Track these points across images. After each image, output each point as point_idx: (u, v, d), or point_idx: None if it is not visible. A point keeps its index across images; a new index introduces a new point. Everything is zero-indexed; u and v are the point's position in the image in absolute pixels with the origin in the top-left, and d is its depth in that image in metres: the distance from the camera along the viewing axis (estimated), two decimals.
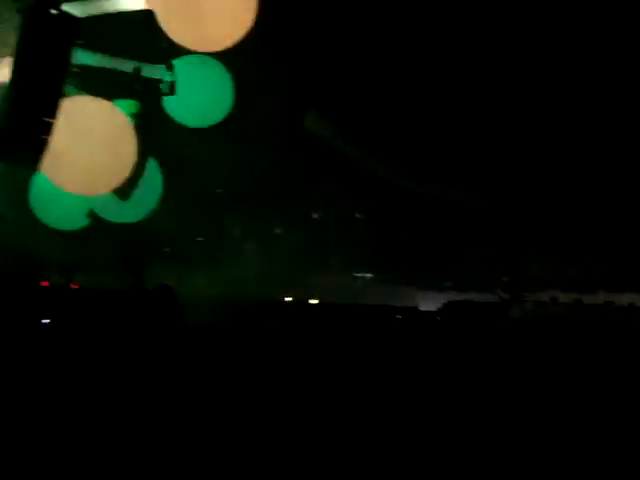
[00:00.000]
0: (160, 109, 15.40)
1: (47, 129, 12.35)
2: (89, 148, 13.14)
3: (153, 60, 15.78)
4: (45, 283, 14.88)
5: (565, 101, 21.81)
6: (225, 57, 16.15)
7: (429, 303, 25.52)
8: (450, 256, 25.76)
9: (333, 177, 24.17)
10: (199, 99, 16.02)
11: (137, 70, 15.24)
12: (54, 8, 12.52)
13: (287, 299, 23.76)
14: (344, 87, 23.18)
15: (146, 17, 15.13)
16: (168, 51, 15.67)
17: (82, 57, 15.17)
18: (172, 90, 15.08)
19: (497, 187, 24.71)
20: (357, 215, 27.48)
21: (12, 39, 12.65)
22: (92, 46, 15.62)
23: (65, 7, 13.41)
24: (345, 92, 23.46)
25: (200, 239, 24.68)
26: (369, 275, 29.18)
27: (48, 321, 14.23)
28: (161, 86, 15.10)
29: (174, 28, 14.87)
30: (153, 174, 15.74)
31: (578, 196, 23.23)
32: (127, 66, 15.66)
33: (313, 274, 24.42)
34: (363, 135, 24.85)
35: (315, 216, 26.92)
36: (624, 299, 22.59)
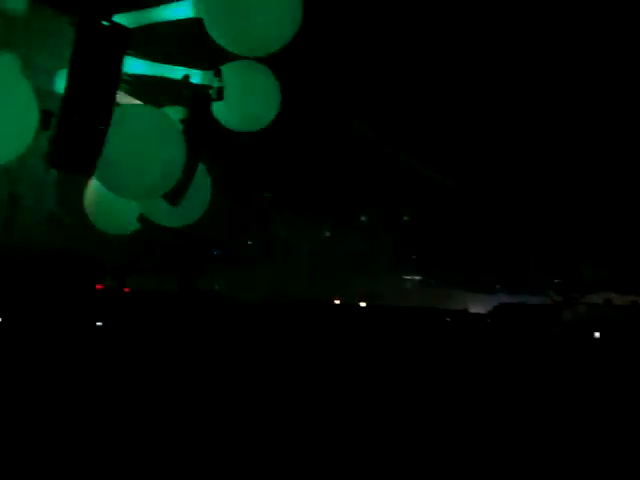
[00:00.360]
0: (209, 115, 15.54)
1: (100, 137, 12.59)
2: (140, 154, 13.34)
3: (201, 67, 16.00)
4: (99, 286, 15.18)
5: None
6: (272, 61, 16.26)
7: (479, 305, 25.20)
8: (500, 258, 25.38)
9: (381, 180, 24.11)
10: (247, 104, 16.15)
11: (186, 77, 15.42)
12: (105, 20, 12.77)
13: (336, 301, 23.75)
14: (391, 92, 23.13)
15: (194, 24, 15.37)
16: (216, 57, 15.88)
17: (133, 66, 15.52)
18: (220, 96, 15.21)
19: (549, 189, 24.25)
20: (405, 217, 27.34)
21: (66, 52, 12.98)
22: (142, 55, 15.96)
23: (116, 18, 13.71)
24: (393, 97, 23.42)
25: (249, 242, 24.89)
26: (417, 277, 28.96)
27: (102, 323, 14.54)
28: (210, 92, 15.24)
29: (222, 34, 15.05)
30: (202, 179, 15.93)
31: (633, 198, 22.64)
32: (176, 73, 15.91)
33: (361, 277, 24.38)
34: (412, 138, 24.73)
35: (363, 219, 26.87)
36: None
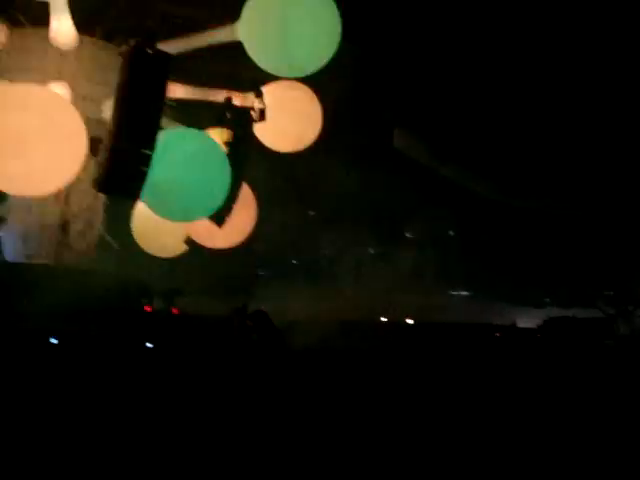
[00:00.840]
0: (252, 136, 15.72)
1: (146, 161, 12.85)
2: (185, 177, 13.56)
3: (243, 89, 16.23)
4: (148, 308, 15.40)
5: None
6: (313, 81, 16.40)
7: (527, 320, 24.73)
8: (548, 271, 24.92)
9: (426, 196, 23.98)
10: (289, 124, 16.29)
11: (228, 99, 15.66)
12: (150, 48, 13.09)
13: (383, 319, 23.61)
14: (433, 107, 23.07)
15: (235, 48, 15.65)
16: (257, 79, 16.10)
17: (176, 90, 15.86)
18: (262, 117, 15.37)
19: (598, 200, 23.79)
20: (451, 233, 27.12)
21: (113, 80, 13.34)
22: (185, 79, 16.30)
23: (159, 46, 14.04)
24: (435, 112, 23.35)
25: (295, 262, 25.00)
26: (464, 293, 28.64)
27: (152, 345, 14.71)
28: (252, 113, 15.42)
29: (262, 57, 15.28)
30: (247, 199, 16.07)
31: None
32: (218, 96, 16.19)
33: (407, 293, 24.21)
34: (454, 153, 24.59)
35: (408, 235, 26.75)
36: None
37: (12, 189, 14.25)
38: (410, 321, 23.65)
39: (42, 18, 14.68)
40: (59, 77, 14.82)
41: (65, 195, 15.37)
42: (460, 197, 24.65)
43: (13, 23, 15.19)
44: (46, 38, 14.84)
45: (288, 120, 16.26)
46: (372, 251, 26.57)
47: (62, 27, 14.61)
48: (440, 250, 26.22)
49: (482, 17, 21.77)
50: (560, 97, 22.29)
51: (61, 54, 15.09)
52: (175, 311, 15.57)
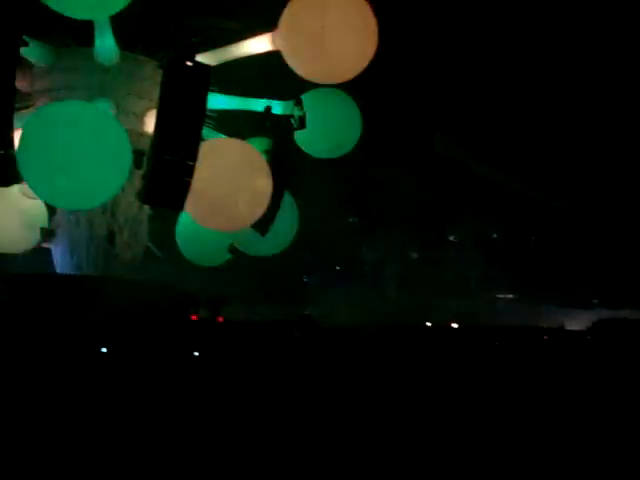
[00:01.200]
0: (292, 143, 15.84)
1: (189, 171, 13.06)
2: (228, 186, 13.74)
3: (282, 97, 16.37)
4: (194, 317, 15.58)
5: None
6: (352, 87, 16.45)
7: (575, 322, 24.22)
8: (596, 271, 24.38)
9: (469, 199, 23.77)
10: (329, 131, 16.36)
11: (268, 108, 15.80)
12: (189, 60, 13.32)
13: (427, 324, 23.43)
14: (472, 109, 22.90)
15: (272, 57, 15.80)
16: (296, 87, 16.21)
17: (216, 101, 16.08)
18: (303, 124, 15.46)
19: None
20: (494, 235, 26.77)
21: (154, 94, 13.61)
22: (224, 90, 16.51)
23: (199, 58, 14.29)
24: (475, 114, 23.18)
25: (338, 267, 25.01)
26: (510, 295, 28.23)
27: (198, 353, 14.87)
28: (292, 121, 15.52)
29: (300, 64, 15.39)
30: (290, 208, 16.20)
31: None
32: (258, 105, 16.36)
33: (452, 297, 23.97)
34: (495, 155, 24.33)
35: (452, 238, 26.51)
36: None
37: (61, 203, 14.65)
38: (455, 325, 23.42)
39: (86, 38, 15.08)
40: (103, 93, 15.17)
41: (111, 207, 15.69)
42: (503, 199, 24.37)
43: (59, 44, 15.64)
44: (90, 56, 15.22)
45: (328, 127, 16.33)
46: (416, 255, 26.39)
47: (105, 45, 14.97)
48: (484, 253, 25.91)
49: (521, 22, 21.63)
50: (600, 99, 21.95)
51: (104, 71, 15.45)
52: (220, 319, 15.72)
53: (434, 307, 23.50)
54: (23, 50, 13.00)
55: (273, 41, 15.46)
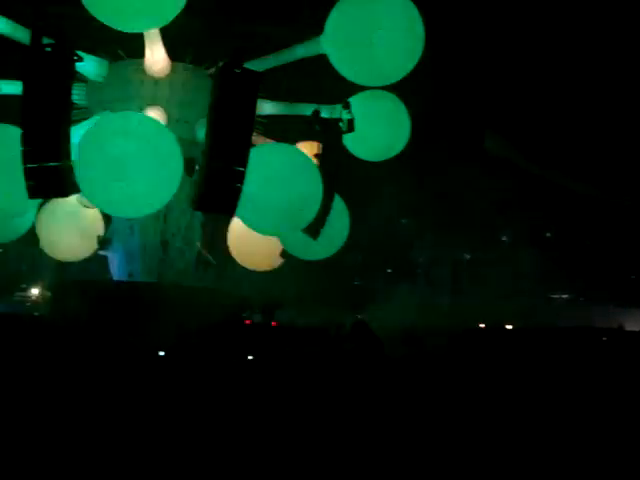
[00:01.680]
0: (341, 147, 15.83)
1: (239, 177, 13.19)
2: (278, 191, 13.81)
3: (330, 100, 16.40)
4: (248, 322, 15.70)
5: None
6: (399, 88, 16.36)
7: (634, 322, 23.53)
8: None
9: (521, 198, 23.37)
10: (378, 133, 16.31)
11: (316, 112, 15.84)
12: (238, 67, 13.46)
13: (481, 325, 23.11)
14: (521, 107, 22.56)
15: (319, 60, 15.86)
16: (344, 90, 16.22)
17: (265, 107, 16.21)
18: (351, 127, 15.44)
19: None
20: (548, 234, 26.26)
21: (204, 102, 13.81)
22: (273, 95, 16.63)
23: (247, 65, 14.43)
24: (522, 112, 22.83)
25: (389, 270, 24.89)
26: (565, 296, 27.64)
27: (252, 357, 14.96)
28: (340, 125, 15.53)
29: (347, 68, 15.40)
30: (340, 211, 16.19)
31: None
32: (306, 109, 16.42)
33: (506, 298, 23.59)
34: (547, 152, 23.89)
35: (504, 239, 26.11)
36: None
37: (115, 211, 14.97)
38: (509, 326, 23.04)
39: (137, 50, 15.40)
40: (155, 103, 15.45)
41: (164, 215, 15.96)
42: (556, 197, 23.90)
43: (111, 57, 16.02)
44: (141, 68, 15.53)
45: (377, 129, 16.28)
46: (468, 256, 26.07)
47: (156, 56, 15.27)
48: (538, 253, 25.42)
49: (572, 19, 21.26)
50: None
51: (155, 81, 15.75)
52: (274, 324, 15.80)
53: (487, 308, 23.15)
54: (78, 65, 13.34)
55: (320, 45, 15.52)
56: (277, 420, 12.34)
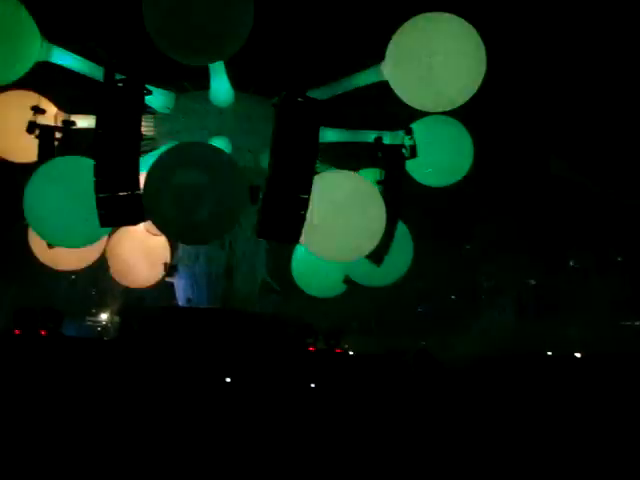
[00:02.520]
0: (404, 173, 15.82)
1: (303, 205, 13.31)
2: (342, 218, 13.87)
3: (392, 127, 16.42)
4: (312, 348, 15.71)
5: None
6: (462, 114, 16.28)
7: None
8: None
9: (589, 222, 22.81)
10: (441, 159, 16.23)
11: (378, 139, 15.91)
12: (300, 96, 13.66)
13: (548, 353, 22.53)
14: (586, 130, 22.15)
15: (380, 87, 15.93)
16: (405, 116, 16.23)
17: (327, 135, 16.35)
18: (414, 153, 15.44)
19: None
20: (619, 259, 25.47)
21: (267, 131, 14.03)
22: (335, 123, 16.77)
23: (309, 93, 14.62)
24: (588, 134, 22.40)
25: (453, 297, 24.59)
26: (638, 322, 26.67)
27: (314, 385, 14.93)
28: (403, 151, 15.53)
29: (409, 94, 15.41)
30: (404, 237, 16.12)
31: None
32: (368, 136, 16.49)
33: (574, 324, 22.94)
34: (612, 174, 23.33)
35: (572, 263, 25.46)
36: None
37: (181, 239, 15.31)
38: (578, 354, 22.36)
39: (202, 82, 15.82)
40: (220, 133, 15.79)
41: (229, 242, 16.20)
42: (626, 220, 23.21)
43: (178, 89, 16.49)
44: (207, 99, 15.93)
45: (439, 154, 16.21)
46: (534, 282, 25.50)
47: (220, 87, 15.63)
48: (608, 278, 24.65)
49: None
50: None
51: (220, 111, 16.10)
52: (338, 350, 15.77)
53: (555, 335, 22.56)
54: (146, 98, 13.79)
55: (381, 72, 15.61)
56: (339, 449, 12.28)
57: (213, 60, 14.52)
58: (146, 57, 13.96)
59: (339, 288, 17.38)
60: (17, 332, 14.76)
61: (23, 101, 15.68)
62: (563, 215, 22.82)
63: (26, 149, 15.53)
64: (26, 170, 14.88)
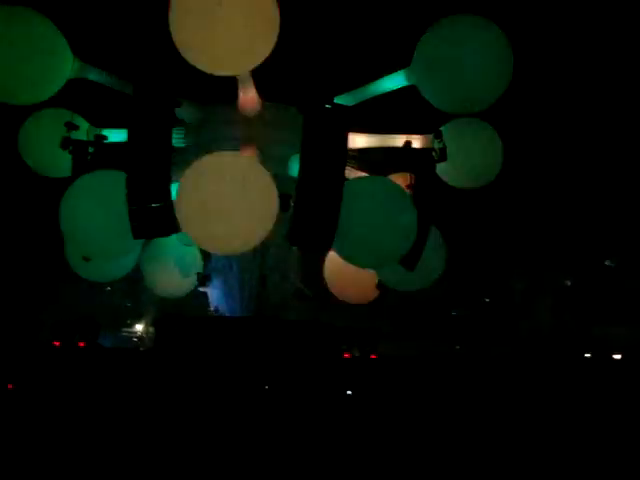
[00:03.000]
0: (435, 177, 15.75)
1: (334, 212, 13.32)
2: (374, 224, 13.83)
3: (421, 131, 16.36)
4: (347, 355, 15.70)
5: None
6: (489, 115, 16.17)
7: None
8: None
9: (627, 220, 22.41)
10: (471, 161, 16.12)
11: (407, 143, 15.86)
12: (328, 103, 13.70)
13: (586, 355, 22.22)
14: (620, 127, 21.84)
15: (409, 91, 15.87)
16: (434, 119, 16.15)
17: (356, 140, 16.33)
18: (444, 156, 15.35)
19: None
20: None
21: (296, 139, 14.09)
22: (364, 128, 16.74)
23: (337, 99, 14.64)
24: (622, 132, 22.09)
25: (487, 299, 24.35)
26: None
27: (350, 392, 14.92)
28: (433, 154, 15.47)
29: (437, 97, 15.34)
30: (436, 242, 16.02)
31: None
32: (397, 141, 16.44)
33: (614, 326, 22.57)
34: None
35: (607, 263, 25.07)
36: None
37: (214, 249, 15.41)
38: (617, 356, 22.00)
39: (229, 92, 15.92)
40: (248, 142, 15.88)
41: (261, 251, 16.26)
42: None
43: (203, 101, 16.63)
44: (234, 109, 16.02)
45: (469, 157, 16.11)
46: (569, 282, 25.15)
47: (248, 97, 15.71)
48: None
49: None
50: None
51: (248, 121, 16.18)
52: (373, 357, 15.72)
53: (594, 337, 22.24)
54: (176, 110, 13.95)
55: (408, 76, 15.57)
56: (378, 457, 12.24)
57: (240, 70, 14.61)
58: (174, 69, 14.11)
59: (372, 294, 17.34)
60: (56, 344, 15.00)
61: (56, 118, 16.03)
62: (597, 214, 22.50)
63: (60, 164, 15.86)
64: (61, 185, 15.14)
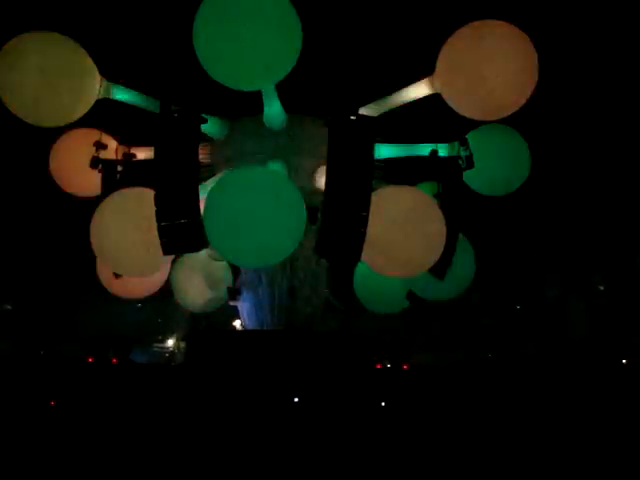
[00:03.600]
0: (462, 184, 15.65)
1: (362, 222, 13.28)
2: (401, 233, 13.77)
3: (447, 139, 16.28)
4: (379, 365, 15.65)
5: None
6: (517, 120, 16.02)
7: None
8: None
9: None
10: (498, 168, 16.00)
11: (433, 152, 15.80)
12: (353, 114, 13.71)
13: (623, 361, 21.85)
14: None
15: (430, 100, 15.81)
16: (459, 127, 16.06)
17: (382, 151, 16.30)
18: (470, 163, 15.25)
19: None
20: None
21: (322, 151, 14.11)
22: (389, 139, 16.71)
23: (362, 110, 14.63)
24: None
25: (518, 307, 24.08)
26: None
27: (384, 403, 14.84)
28: (459, 162, 15.39)
29: (462, 104, 15.24)
30: (465, 250, 15.90)
31: None
32: (423, 150, 16.38)
33: None
34: None
35: None
36: None
37: (245, 263, 15.48)
38: None
39: (254, 106, 16.02)
40: (275, 155, 15.95)
41: (290, 263, 16.30)
42: None
43: (229, 116, 16.77)
44: (261, 123, 16.11)
45: (496, 163, 15.99)
46: (602, 288, 24.76)
47: (273, 111, 15.79)
48: None
49: None
50: None
51: (275, 134, 16.27)
52: (406, 367, 15.65)
53: (628, 343, 21.85)
54: (202, 126, 14.07)
55: (432, 85, 15.50)
56: (410, 467, 12.15)
57: (264, 85, 14.70)
58: (199, 86, 14.25)
59: (402, 304, 17.27)
60: (90, 360, 15.17)
61: (86, 138, 16.26)
62: (628, 218, 22.16)
63: (90, 183, 16.09)
64: (91, 204, 15.36)
